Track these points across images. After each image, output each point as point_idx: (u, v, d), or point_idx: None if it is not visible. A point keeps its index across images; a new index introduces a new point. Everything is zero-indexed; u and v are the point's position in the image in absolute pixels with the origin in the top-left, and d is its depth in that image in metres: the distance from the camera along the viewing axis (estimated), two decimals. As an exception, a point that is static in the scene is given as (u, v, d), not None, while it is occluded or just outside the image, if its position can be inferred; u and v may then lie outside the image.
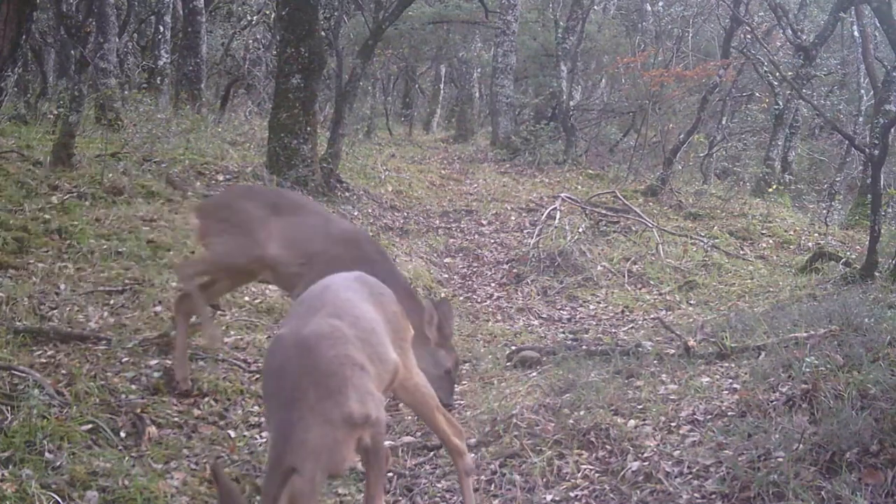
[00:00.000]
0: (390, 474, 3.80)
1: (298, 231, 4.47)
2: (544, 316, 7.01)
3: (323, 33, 9.48)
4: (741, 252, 8.96)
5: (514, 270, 8.15)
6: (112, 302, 5.26)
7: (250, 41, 15.95)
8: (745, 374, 4.37)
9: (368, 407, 2.71)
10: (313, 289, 3.18)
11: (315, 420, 2.57)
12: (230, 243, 4.41)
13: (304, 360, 2.68)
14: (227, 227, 4.45)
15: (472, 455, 3.91)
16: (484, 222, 10.16)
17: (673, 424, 3.91)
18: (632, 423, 3.97)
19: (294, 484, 2.41)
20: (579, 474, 3.59)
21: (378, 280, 3.94)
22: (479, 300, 7.49)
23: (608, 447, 3.75)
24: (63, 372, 4.21)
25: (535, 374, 5.05)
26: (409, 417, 4.55)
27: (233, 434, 4.06)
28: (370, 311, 3.03)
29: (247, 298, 5.90)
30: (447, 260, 8.72)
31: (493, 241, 9.39)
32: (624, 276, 7.81)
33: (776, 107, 13.39)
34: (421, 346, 4.15)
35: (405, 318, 3.33)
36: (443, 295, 7.46)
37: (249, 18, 15.87)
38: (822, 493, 3.02)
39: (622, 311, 6.87)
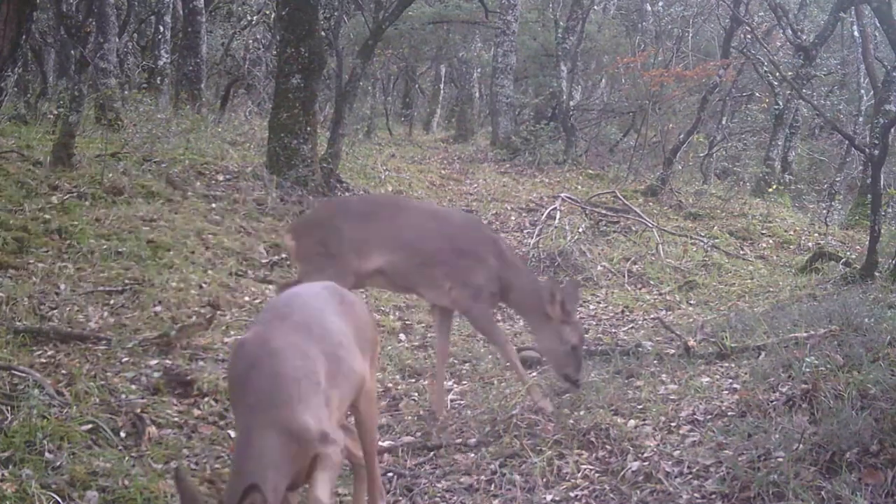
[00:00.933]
0: (390, 474, 3.80)
1: (401, 233, 4.48)
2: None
3: (323, 33, 9.48)
4: (741, 252, 8.97)
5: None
6: (112, 302, 5.26)
7: (250, 41, 15.94)
8: (745, 374, 4.37)
9: (324, 424, 2.65)
10: (281, 296, 3.16)
11: (273, 429, 2.53)
12: (328, 267, 4.35)
13: (267, 366, 2.64)
14: (322, 248, 4.44)
15: (472, 455, 3.92)
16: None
17: (673, 424, 3.92)
18: (632, 423, 3.97)
19: (255, 498, 2.34)
20: (579, 474, 3.59)
21: (503, 258, 4.32)
22: (479, 300, 7.48)
23: (608, 447, 3.75)
24: (63, 372, 4.21)
25: (535, 374, 5.05)
26: (409, 418, 4.55)
27: (233, 434, 4.06)
28: (339, 322, 2.98)
29: (247, 298, 5.90)
30: (447, 260, 8.70)
31: (493, 241, 9.36)
32: (624, 276, 7.81)
33: (776, 107, 13.39)
34: (545, 324, 4.36)
35: (375, 328, 3.29)
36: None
37: (249, 18, 15.87)
38: (822, 493, 3.02)
39: (622, 311, 6.87)
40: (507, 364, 4.69)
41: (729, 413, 3.90)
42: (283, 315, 2.89)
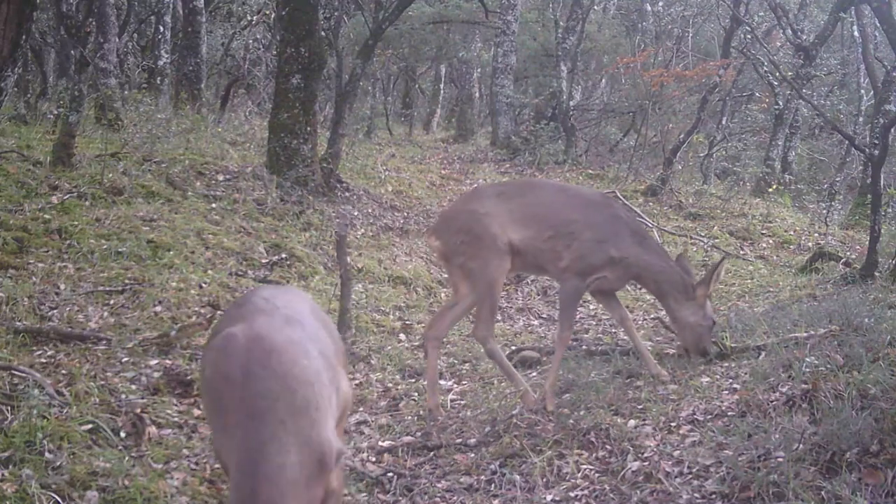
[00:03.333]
0: (390, 474, 3.80)
1: (533, 209, 4.52)
2: (544, 316, 7.01)
3: (323, 33, 9.47)
4: (741, 252, 8.96)
5: (514, 270, 8.14)
6: (112, 302, 5.26)
7: (250, 41, 15.93)
8: (745, 374, 4.37)
9: (339, 441, 2.25)
10: (254, 291, 2.82)
11: (291, 439, 2.09)
12: (481, 249, 4.42)
13: (274, 364, 2.23)
14: (466, 235, 4.47)
15: (472, 455, 3.92)
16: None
17: (673, 424, 3.92)
18: (632, 423, 3.97)
19: None
20: (579, 474, 3.59)
21: (634, 236, 4.45)
22: (479, 300, 7.48)
23: (608, 447, 3.75)
24: (63, 372, 4.21)
25: (535, 374, 5.05)
26: (410, 417, 4.55)
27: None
28: (321, 327, 2.63)
29: (247, 298, 5.89)
30: (447, 260, 8.70)
31: (493, 241, 9.36)
32: (624, 276, 7.79)
33: (776, 107, 13.39)
34: (686, 302, 4.51)
35: (341, 339, 2.98)
36: (443, 294, 7.46)
37: (249, 18, 15.86)
38: (822, 493, 3.01)
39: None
40: (555, 345, 4.69)
41: (729, 413, 3.90)
42: (267, 310, 2.47)
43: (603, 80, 18.37)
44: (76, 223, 6.20)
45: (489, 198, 4.58)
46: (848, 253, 7.96)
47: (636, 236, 4.58)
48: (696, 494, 3.26)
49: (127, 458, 3.53)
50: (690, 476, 3.40)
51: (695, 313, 4.53)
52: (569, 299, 4.54)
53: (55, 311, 4.97)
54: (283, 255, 6.97)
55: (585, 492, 3.47)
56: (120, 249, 5.95)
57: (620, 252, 4.48)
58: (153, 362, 4.52)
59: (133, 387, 4.22)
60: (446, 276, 8.15)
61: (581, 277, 4.46)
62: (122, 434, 3.77)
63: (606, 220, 4.55)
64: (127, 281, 5.54)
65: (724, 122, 13.79)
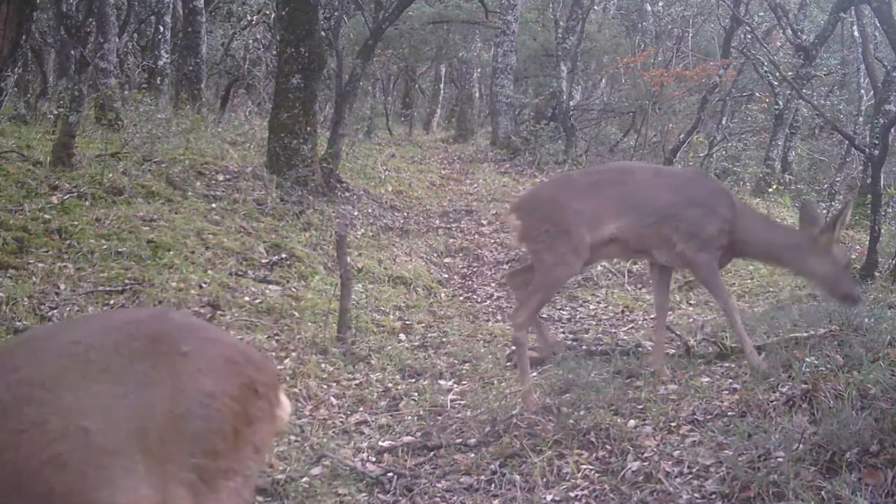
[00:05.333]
0: (390, 474, 3.80)
1: (631, 196, 4.47)
2: (544, 316, 7.00)
3: (323, 33, 9.48)
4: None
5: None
6: (112, 302, 5.26)
7: (250, 41, 15.93)
8: (745, 374, 4.37)
9: None
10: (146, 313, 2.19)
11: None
12: (559, 244, 4.37)
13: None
14: (551, 226, 4.41)
15: (472, 455, 3.92)
16: (484, 222, 10.15)
17: (673, 424, 3.91)
18: (632, 423, 3.97)
19: None
20: (579, 474, 3.59)
21: (735, 209, 4.39)
22: (479, 300, 7.49)
23: (608, 447, 3.75)
24: (63, 372, 4.20)
25: (535, 374, 5.05)
26: (409, 418, 4.55)
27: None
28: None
29: (247, 298, 5.90)
30: (447, 260, 8.72)
31: (493, 241, 9.38)
32: (624, 276, 7.80)
33: (776, 107, 13.38)
34: (810, 254, 4.42)
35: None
36: (443, 295, 7.47)
37: (249, 18, 15.86)
38: (822, 493, 3.01)
39: (622, 311, 6.87)
40: (729, 321, 4.57)
41: (729, 413, 3.90)
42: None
43: (603, 80, 18.38)
44: (76, 223, 6.20)
45: (584, 190, 4.51)
46: (848, 253, 7.95)
47: (738, 207, 4.54)
48: (696, 494, 3.26)
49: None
50: (690, 476, 3.40)
51: (821, 263, 4.40)
52: (707, 275, 4.48)
53: (55, 311, 4.97)
54: (283, 255, 6.97)
55: (585, 492, 3.46)
56: (120, 249, 5.95)
57: (726, 225, 4.43)
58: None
59: (133, 387, 4.21)
60: (445, 275, 8.17)
61: (705, 250, 4.40)
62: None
63: (708, 194, 4.51)
64: (127, 281, 5.54)
65: (724, 122, 13.79)
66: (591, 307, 7.05)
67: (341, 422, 4.47)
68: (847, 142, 11.71)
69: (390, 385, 5.06)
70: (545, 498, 3.46)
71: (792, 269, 4.72)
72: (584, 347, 5.41)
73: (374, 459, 3.99)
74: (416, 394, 4.91)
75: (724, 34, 13.90)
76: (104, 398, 1.76)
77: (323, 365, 5.09)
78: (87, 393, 1.76)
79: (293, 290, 6.34)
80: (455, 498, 3.59)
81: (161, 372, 1.82)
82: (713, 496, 3.22)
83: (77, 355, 1.80)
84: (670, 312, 6.68)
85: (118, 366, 1.81)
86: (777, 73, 12.49)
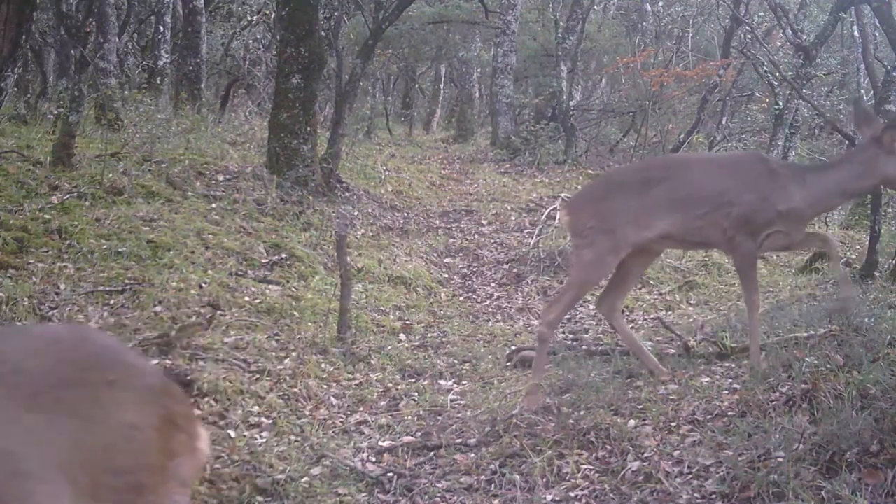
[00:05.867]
0: (390, 474, 3.80)
1: (681, 190, 4.43)
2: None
3: (323, 33, 9.48)
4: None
5: (514, 270, 8.15)
6: (112, 302, 5.26)
7: (250, 41, 15.94)
8: (745, 374, 4.37)
9: None
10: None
11: None
12: (601, 241, 4.36)
13: None
14: (598, 223, 4.40)
15: (472, 455, 3.92)
16: (484, 222, 10.15)
17: (673, 424, 3.91)
18: (632, 423, 3.97)
19: None
20: (579, 474, 3.59)
21: (795, 176, 4.30)
22: (479, 300, 7.49)
23: (608, 447, 3.74)
24: (63, 372, 4.20)
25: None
26: (410, 418, 4.55)
27: (233, 434, 4.06)
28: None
29: (247, 298, 5.90)
30: (447, 260, 8.72)
31: (493, 241, 9.38)
32: (624, 276, 7.79)
33: (776, 107, 13.37)
34: (880, 156, 4.22)
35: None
36: (443, 295, 7.47)
37: (249, 18, 15.87)
38: (822, 493, 3.01)
39: (622, 311, 6.87)
40: (748, 316, 4.51)
41: (729, 413, 3.90)
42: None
43: (603, 80, 18.38)
44: (76, 223, 6.20)
45: (630, 189, 4.48)
46: (848, 253, 7.95)
47: (798, 180, 4.38)
48: (696, 494, 3.26)
49: (127, 458, 3.53)
50: (690, 476, 3.40)
51: (892, 163, 4.19)
52: (745, 264, 4.44)
53: (55, 311, 4.97)
54: (283, 255, 6.97)
55: (585, 492, 3.46)
56: (120, 249, 5.95)
57: (787, 204, 4.32)
58: (153, 362, 4.51)
59: (133, 387, 4.21)
60: (445, 275, 8.17)
61: (750, 239, 4.34)
62: (122, 434, 3.76)
63: (761, 176, 4.39)
64: (127, 281, 5.54)
65: (724, 122, 13.79)
66: (591, 307, 7.05)
67: (341, 422, 4.47)
68: (847, 142, 11.71)
69: (390, 385, 5.06)
70: (545, 498, 3.46)
71: (872, 186, 4.60)
72: (584, 347, 5.41)
73: (374, 459, 3.99)
74: (416, 394, 4.91)
75: (724, 34, 13.90)
76: (30, 423, 1.69)
77: (323, 365, 5.09)
78: (12, 417, 1.69)
79: (293, 290, 6.34)
80: (455, 498, 3.59)
81: (88, 402, 1.77)
82: (713, 496, 3.22)
83: (3, 376, 1.73)
84: (670, 312, 6.69)
85: (46, 393, 1.74)
86: (777, 73, 12.48)
